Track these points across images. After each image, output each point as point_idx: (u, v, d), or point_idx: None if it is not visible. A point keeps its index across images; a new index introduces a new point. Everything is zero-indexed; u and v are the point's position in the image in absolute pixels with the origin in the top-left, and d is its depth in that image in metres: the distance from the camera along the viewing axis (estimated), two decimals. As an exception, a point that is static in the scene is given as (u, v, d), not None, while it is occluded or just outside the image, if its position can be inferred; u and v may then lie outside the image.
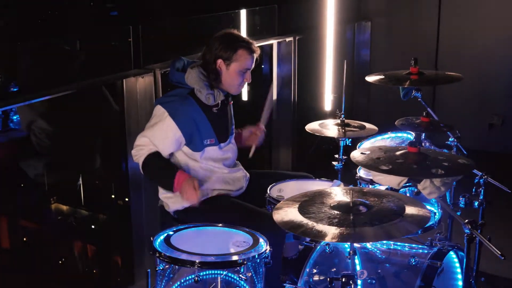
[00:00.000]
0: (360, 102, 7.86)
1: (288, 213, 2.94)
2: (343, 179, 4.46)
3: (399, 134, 4.62)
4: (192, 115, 3.76)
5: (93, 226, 5.02)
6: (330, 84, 6.15)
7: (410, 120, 4.15)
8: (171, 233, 3.34)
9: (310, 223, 2.82)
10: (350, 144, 4.52)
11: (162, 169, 3.79)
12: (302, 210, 2.96)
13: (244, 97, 6.15)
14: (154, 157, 3.74)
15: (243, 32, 6.03)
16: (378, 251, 3.55)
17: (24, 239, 4.67)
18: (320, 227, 2.78)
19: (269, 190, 3.99)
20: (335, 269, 3.34)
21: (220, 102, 3.86)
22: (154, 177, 3.90)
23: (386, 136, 4.67)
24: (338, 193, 3.11)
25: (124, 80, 4.44)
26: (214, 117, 3.84)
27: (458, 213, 3.87)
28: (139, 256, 4.75)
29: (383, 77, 4.39)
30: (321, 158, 5.21)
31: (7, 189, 4.39)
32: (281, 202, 3.12)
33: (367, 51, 8.09)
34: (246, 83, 3.94)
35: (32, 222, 4.71)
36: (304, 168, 6.01)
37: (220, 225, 3.46)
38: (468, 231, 2.78)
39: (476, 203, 3.62)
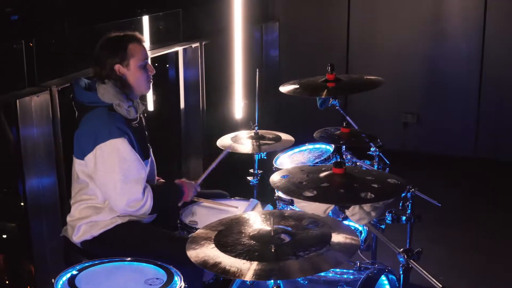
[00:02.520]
0: (272, 108, 7.58)
1: (203, 248, 2.63)
2: (259, 195, 4.23)
3: (317, 146, 4.35)
4: (124, 128, 3.47)
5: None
6: (240, 90, 5.87)
7: (330, 132, 3.87)
8: (75, 272, 2.99)
9: (227, 258, 2.52)
10: (265, 158, 4.26)
11: (167, 196, 3.73)
12: (218, 243, 2.66)
13: (150, 107, 5.83)
14: (155, 195, 3.55)
15: (147, 39, 5.71)
16: (301, 279, 3.25)
17: None
18: (239, 263, 2.49)
19: (181, 215, 3.75)
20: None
21: (138, 116, 3.62)
22: (163, 207, 3.71)
23: (303, 148, 4.40)
24: (257, 219, 2.83)
25: (17, 100, 4.03)
26: (136, 132, 3.56)
27: (383, 226, 3.65)
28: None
29: (298, 86, 4.09)
30: (234, 171, 4.97)
31: None
32: (194, 233, 2.81)
33: (276, 51, 7.86)
34: (152, 76, 3.68)
35: None
36: (218, 180, 5.75)
37: (129, 259, 3.13)
38: (403, 260, 2.51)
39: (403, 218, 3.36)
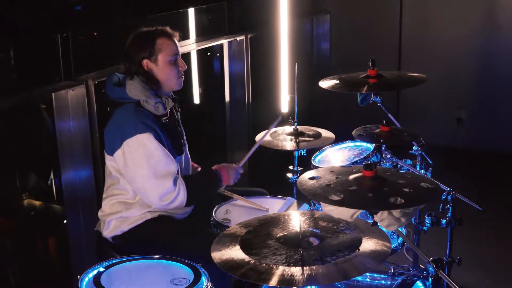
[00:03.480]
0: (321, 100, 7.43)
1: (228, 249, 2.56)
2: (299, 193, 4.11)
3: (358, 143, 4.22)
4: (151, 124, 3.39)
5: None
6: (286, 84, 5.75)
7: (369, 130, 3.72)
8: (102, 269, 2.94)
9: (252, 261, 2.44)
10: (305, 154, 4.15)
11: (203, 184, 3.64)
12: (244, 244, 2.59)
13: (196, 100, 5.78)
14: (189, 185, 3.45)
15: (192, 32, 5.65)
16: (337, 283, 3.16)
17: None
18: (264, 267, 2.40)
19: (215, 212, 3.67)
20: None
21: (168, 111, 3.53)
22: (204, 194, 3.67)
23: (343, 145, 4.27)
24: (289, 219, 2.76)
25: (53, 94, 4.00)
26: (166, 128, 3.49)
27: (425, 228, 3.52)
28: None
29: (338, 82, 3.97)
30: (274, 167, 4.88)
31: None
32: (222, 233, 2.76)
33: (327, 44, 7.72)
34: (183, 71, 3.59)
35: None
36: (262, 176, 5.65)
37: (157, 256, 3.06)
38: (432, 270, 2.38)
39: (443, 222, 3.22)
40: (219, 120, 6.03)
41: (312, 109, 7.36)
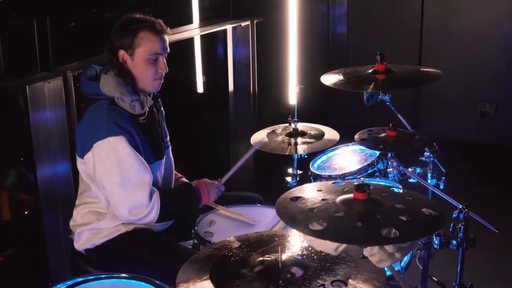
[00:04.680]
0: (334, 91, 7.01)
1: (196, 282, 2.20)
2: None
3: (363, 147, 3.80)
4: (125, 125, 3.05)
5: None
6: (294, 73, 5.35)
7: (374, 134, 3.31)
8: (63, 289, 2.65)
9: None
10: (306, 156, 3.75)
11: (182, 200, 3.28)
12: (215, 274, 2.22)
13: (200, 89, 5.41)
14: (163, 202, 3.12)
15: (195, 17, 5.27)
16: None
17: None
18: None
19: (197, 223, 3.32)
20: None
21: (147, 110, 3.18)
22: (180, 213, 3.33)
23: (348, 148, 3.87)
24: (271, 241, 2.42)
25: (27, 86, 3.63)
26: (144, 129, 3.14)
27: (435, 247, 3.12)
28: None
29: (342, 78, 3.54)
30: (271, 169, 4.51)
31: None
32: (192, 257, 2.39)
33: (344, 28, 7.35)
34: (163, 74, 3.19)
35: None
36: (260, 178, 5.30)
37: (124, 275, 2.72)
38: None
39: (454, 243, 2.81)
40: (222, 110, 5.69)
41: (325, 100, 6.96)
